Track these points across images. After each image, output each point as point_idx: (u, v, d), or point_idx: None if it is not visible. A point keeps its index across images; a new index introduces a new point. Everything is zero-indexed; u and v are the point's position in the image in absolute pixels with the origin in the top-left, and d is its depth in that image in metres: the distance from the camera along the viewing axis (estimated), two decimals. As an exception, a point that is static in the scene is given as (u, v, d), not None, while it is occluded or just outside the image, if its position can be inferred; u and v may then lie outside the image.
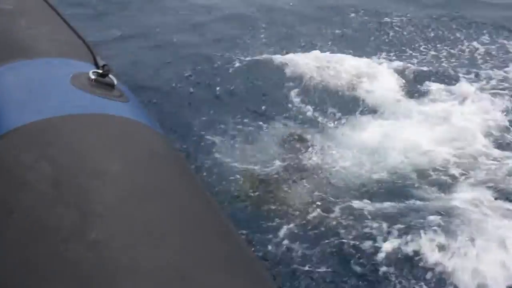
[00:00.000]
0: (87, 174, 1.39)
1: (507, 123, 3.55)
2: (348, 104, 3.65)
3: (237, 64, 4.05)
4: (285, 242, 2.51)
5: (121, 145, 1.62)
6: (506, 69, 4.32)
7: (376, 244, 2.55)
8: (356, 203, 2.74)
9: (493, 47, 4.73)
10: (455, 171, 3.05)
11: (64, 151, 1.46)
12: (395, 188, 2.91)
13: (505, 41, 4.87)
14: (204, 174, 2.71)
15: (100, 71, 2.06)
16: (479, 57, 4.55)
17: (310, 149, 3.09)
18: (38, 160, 1.37)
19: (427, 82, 3.98)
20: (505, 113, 3.65)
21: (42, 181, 1.31)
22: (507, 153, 3.26)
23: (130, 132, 1.75)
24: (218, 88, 3.66)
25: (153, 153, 1.73)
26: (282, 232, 2.55)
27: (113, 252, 1.17)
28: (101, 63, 2.20)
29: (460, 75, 4.14)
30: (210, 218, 1.61)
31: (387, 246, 2.54)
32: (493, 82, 4.10)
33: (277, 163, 2.92)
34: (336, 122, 3.42)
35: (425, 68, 4.23)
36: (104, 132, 1.65)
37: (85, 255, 1.14)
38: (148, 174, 1.57)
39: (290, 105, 3.56)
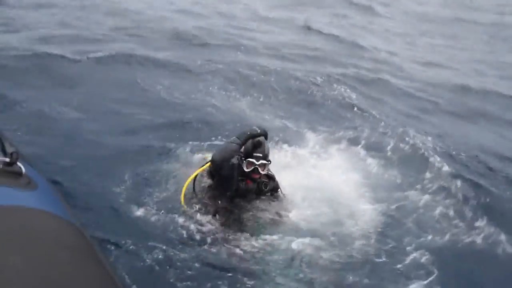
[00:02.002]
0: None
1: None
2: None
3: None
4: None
5: (21, 238, 1.62)
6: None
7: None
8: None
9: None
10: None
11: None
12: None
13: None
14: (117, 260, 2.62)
15: (7, 160, 2.06)
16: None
17: None
18: None
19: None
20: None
21: None
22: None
23: (33, 223, 1.77)
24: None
25: (54, 243, 1.74)
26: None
27: None
28: (10, 150, 2.19)
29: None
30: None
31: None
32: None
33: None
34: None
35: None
36: (5, 225, 1.64)
37: None
38: (47, 265, 1.59)
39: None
